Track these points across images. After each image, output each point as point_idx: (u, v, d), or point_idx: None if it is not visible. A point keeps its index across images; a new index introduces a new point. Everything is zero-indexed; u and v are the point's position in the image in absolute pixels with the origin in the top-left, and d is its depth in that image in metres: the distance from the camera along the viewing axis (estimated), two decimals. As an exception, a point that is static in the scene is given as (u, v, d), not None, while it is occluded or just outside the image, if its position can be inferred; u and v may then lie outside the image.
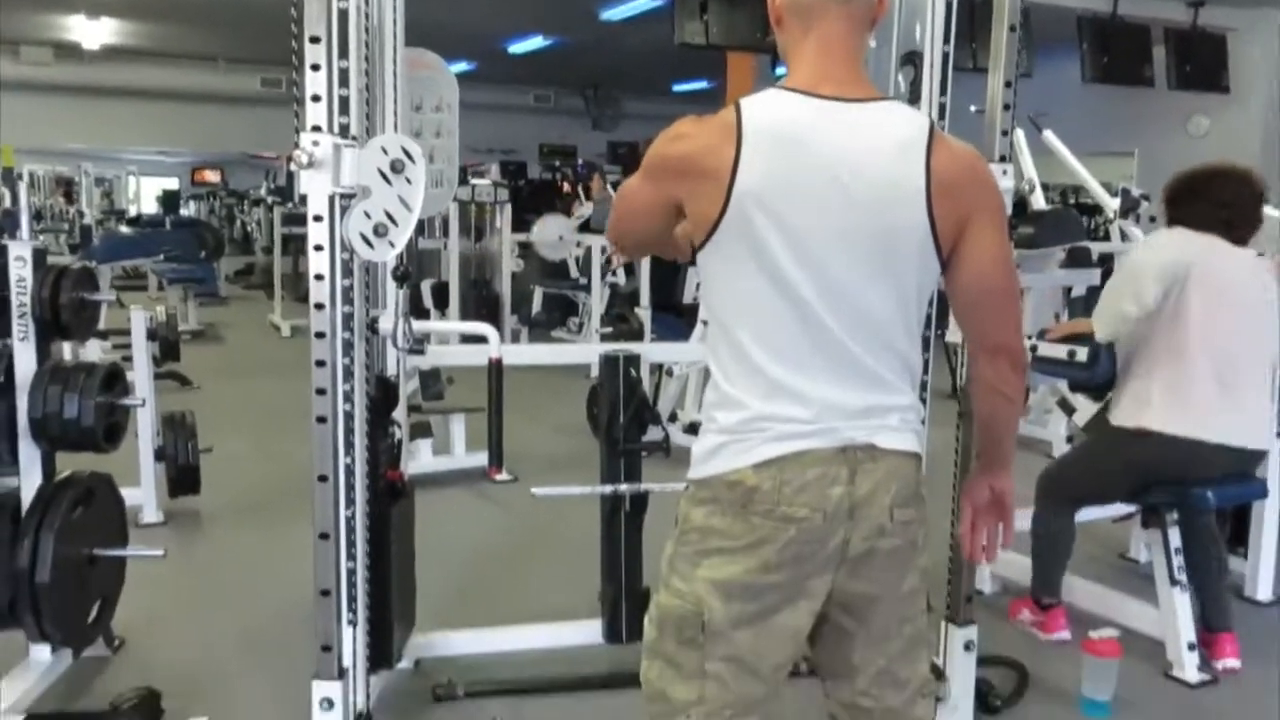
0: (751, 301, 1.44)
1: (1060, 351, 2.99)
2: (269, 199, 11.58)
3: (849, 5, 1.48)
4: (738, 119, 1.43)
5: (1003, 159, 2.37)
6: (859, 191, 1.41)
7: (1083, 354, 2.92)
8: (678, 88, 16.28)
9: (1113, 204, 5.65)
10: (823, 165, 1.42)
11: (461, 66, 12.16)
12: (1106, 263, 5.12)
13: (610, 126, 17.45)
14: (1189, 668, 2.85)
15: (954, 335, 4.34)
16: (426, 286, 7.71)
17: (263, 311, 10.46)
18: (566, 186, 13.00)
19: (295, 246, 10.63)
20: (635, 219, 1.63)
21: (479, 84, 11.11)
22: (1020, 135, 4.81)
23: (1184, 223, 2.92)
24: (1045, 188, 6.53)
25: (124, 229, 9.13)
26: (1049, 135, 5.68)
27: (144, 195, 16.41)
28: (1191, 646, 2.86)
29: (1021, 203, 5.34)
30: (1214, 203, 2.89)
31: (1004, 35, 2.36)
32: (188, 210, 15.72)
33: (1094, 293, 5.13)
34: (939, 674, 2.55)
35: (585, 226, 8.78)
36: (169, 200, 13.97)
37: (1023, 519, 3.01)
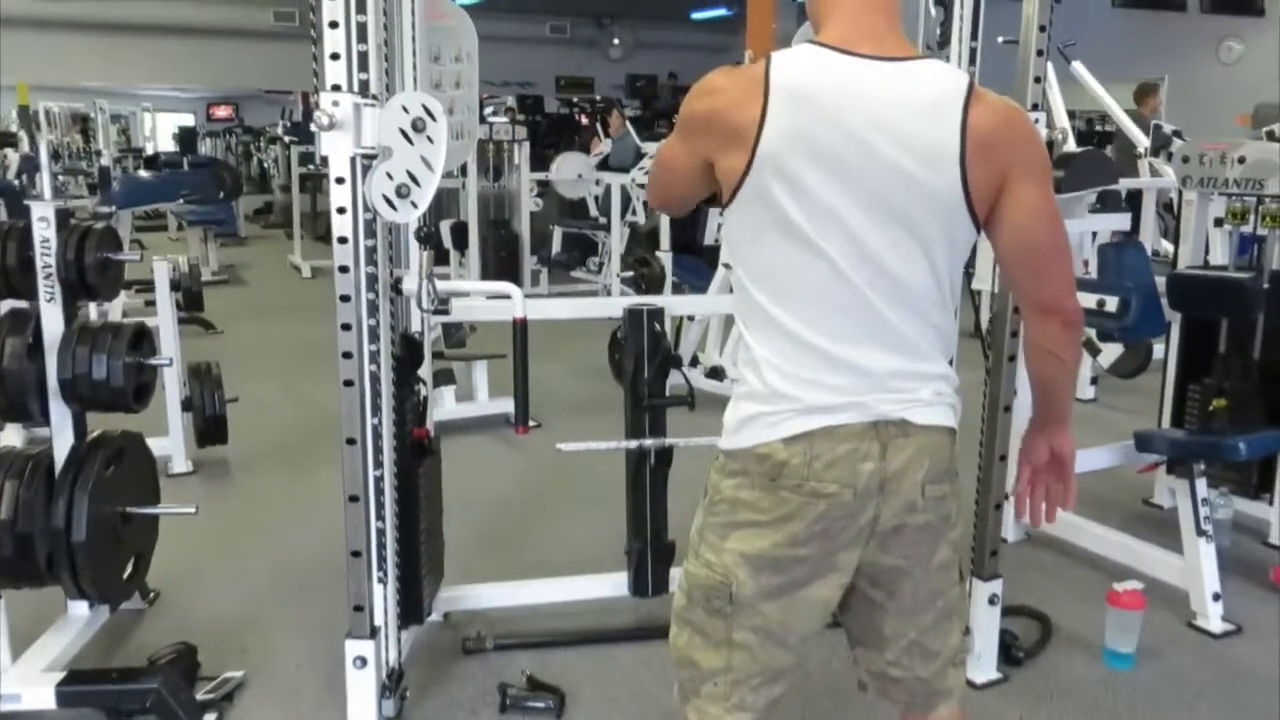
0: (773, 265, 1.42)
1: (1090, 301, 2.96)
2: (286, 138, 11.51)
3: None
4: (766, 75, 1.39)
5: (1034, 107, 2.32)
6: (887, 155, 1.37)
7: (1112, 304, 2.89)
8: (696, 15, 15.98)
9: (1144, 140, 5.54)
10: (850, 127, 1.37)
11: (475, -3, 11.93)
12: (1136, 202, 5.02)
13: (628, 55, 17.20)
14: (1213, 618, 2.86)
15: (980, 283, 4.30)
16: (445, 226, 7.67)
17: (282, 251, 10.46)
18: (584, 119, 12.82)
19: (313, 185, 10.60)
20: (675, 181, 1.59)
21: (493, 14, 10.91)
22: (1050, 70, 4.68)
23: None
24: (1071, 115, 6.38)
25: (143, 173, 9.09)
26: (1078, 67, 5.56)
27: (160, 131, 16.30)
28: (1216, 597, 2.87)
29: (1049, 147, 5.24)
30: None
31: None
32: (204, 148, 15.64)
33: (1126, 238, 5.04)
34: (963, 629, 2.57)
35: (604, 164, 8.68)
36: (186, 139, 13.89)
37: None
